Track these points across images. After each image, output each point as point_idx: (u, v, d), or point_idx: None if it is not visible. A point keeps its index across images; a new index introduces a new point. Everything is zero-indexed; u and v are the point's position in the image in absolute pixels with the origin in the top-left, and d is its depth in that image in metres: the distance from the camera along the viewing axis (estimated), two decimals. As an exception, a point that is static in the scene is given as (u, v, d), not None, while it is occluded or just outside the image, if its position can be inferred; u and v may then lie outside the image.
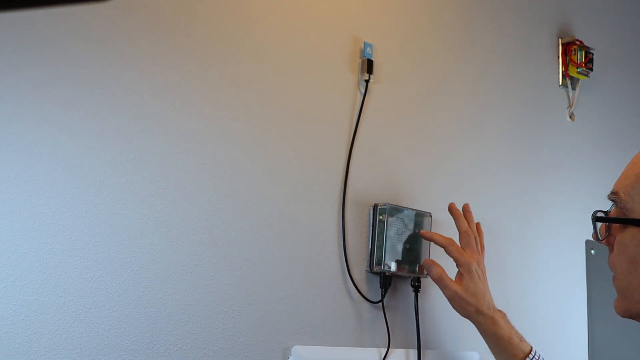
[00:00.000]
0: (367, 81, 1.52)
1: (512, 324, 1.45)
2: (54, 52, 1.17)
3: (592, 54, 1.98)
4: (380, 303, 1.48)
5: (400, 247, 1.49)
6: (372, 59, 1.53)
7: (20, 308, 1.10)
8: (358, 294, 1.47)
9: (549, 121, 1.92)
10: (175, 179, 1.27)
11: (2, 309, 1.09)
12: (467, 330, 1.60)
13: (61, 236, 1.15)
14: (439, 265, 1.46)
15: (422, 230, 1.52)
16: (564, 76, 1.96)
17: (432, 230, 1.53)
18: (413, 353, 1.50)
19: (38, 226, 1.13)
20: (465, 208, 1.53)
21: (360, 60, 1.53)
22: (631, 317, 1.11)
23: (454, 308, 1.45)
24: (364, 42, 1.53)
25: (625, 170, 1.11)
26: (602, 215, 1.12)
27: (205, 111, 1.32)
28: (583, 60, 1.96)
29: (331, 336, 1.42)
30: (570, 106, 1.97)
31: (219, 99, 1.33)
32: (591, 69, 1.98)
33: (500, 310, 1.46)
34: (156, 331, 1.22)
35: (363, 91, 1.52)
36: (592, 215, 1.12)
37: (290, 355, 1.36)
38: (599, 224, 1.13)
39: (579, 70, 1.96)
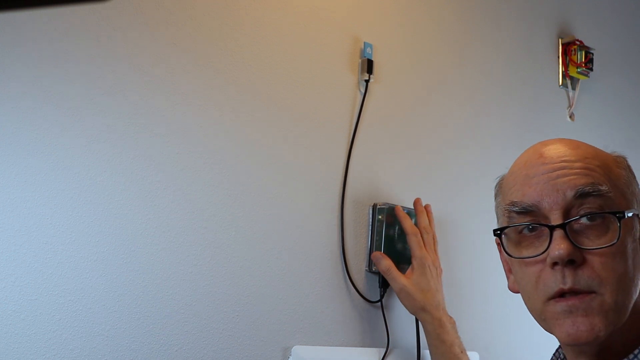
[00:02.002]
0: (367, 81, 1.52)
1: (459, 334, 1.45)
2: (54, 52, 1.17)
3: (592, 54, 1.98)
4: (380, 303, 1.48)
5: (399, 247, 1.49)
6: (372, 59, 1.53)
7: (20, 308, 1.10)
8: (357, 293, 1.47)
9: (549, 121, 1.92)
10: (175, 179, 1.27)
11: (2, 309, 1.09)
12: (467, 331, 1.60)
13: (61, 236, 1.15)
14: (388, 258, 1.45)
15: (397, 207, 1.49)
16: (564, 76, 1.96)
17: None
18: (412, 353, 1.50)
19: (38, 226, 1.13)
20: (427, 208, 1.52)
21: (360, 60, 1.53)
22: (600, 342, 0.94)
23: (402, 303, 1.45)
24: (364, 42, 1.53)
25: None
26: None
27: (205, 111, 1.32)
28: (583, 60, 1.96)
29: (331, 336, 1.43)
30: (570, 106, 1.97)
31: (219, 99, 1.33)
32: (591, 69, 1.98)
33: (450, 317, 1.45)
34: (156, 331, 1.22)
35: (363, 91, 1.52)
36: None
37: (290, 355, 1.36)
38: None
39: (579, 70, 1.96)
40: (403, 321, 1.52)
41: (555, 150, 0.94)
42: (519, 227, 0.94)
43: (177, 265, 1.25)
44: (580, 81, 1.99)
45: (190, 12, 1.32)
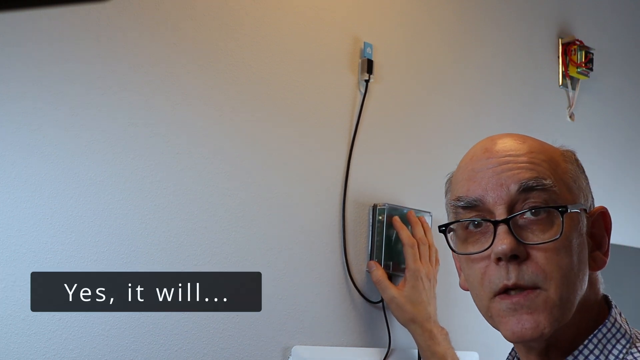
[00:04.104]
0: (367, 81, 1.52)
1: (452, 345, 1.44)
2: (54, 52, 1.17)
3: (592, 54, 1.98)
4: (381, 303, 1.48)
5: (399, 247, 1.49)
6: (372, 59, 1.53)
7: (20, 308, 1.10)
8: (358, 294, 1.47)
9: (549, 121, 1.91)
10: (176, 179, 1.27)
11: (2, 309, 1.09)
12: (467, 331, 1.60)
13: (61, 236, 1.15)
14: (382, 268, 1.45)
15: (395, 217, 1.49)
16: (564, 76, 1.96)
17: (431, 231, 1.53)
18: (414, 353, 1.50)
19: (38, 226, 1.13)
20: (421, 219, 1.51)
21: (360, 60, 1.53)
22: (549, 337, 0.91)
23: (393, 314, 1.45)
24: (364, 42, 1.53)
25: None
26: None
27: (206, 111, 1.32)
28: (583, 60, 1.96)
29: (331, 336, 1.42)
30: (570, 106, 1.97)
31: (220, 99, 1.33)
32: (591, 69, 1.98)
33: (443, 328, 1.44)
34: (156, 331, 1.22)
35: (363, 91, 1.52)
36: None
37: (290, 355, 1.36)
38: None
39: (579, 70, 1.96)
40: (403, 321, 1.52)
41: (501, 145, 0.93)
42: (465, 223, 0.93)
43: (177, 265, 1.25)
44: (580, 81, 1.98)
45: (190, 12, 1.32)
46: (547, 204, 0.89)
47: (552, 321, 0.87)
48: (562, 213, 0.89)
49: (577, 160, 0.96)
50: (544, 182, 0.90)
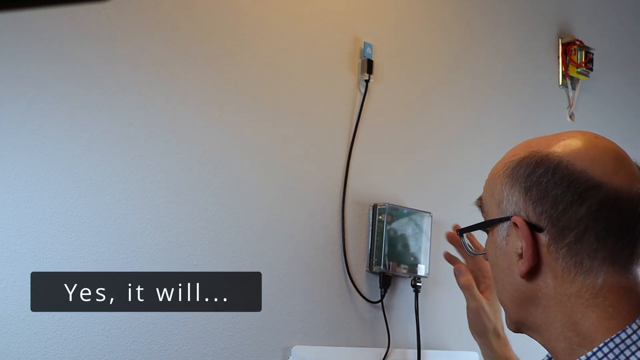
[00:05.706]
0: (367, 81, 1.52)
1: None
2: (54, 52, 1.17)
3: (592, 54, 1.98)
4: (380, 303, 1.48)
5: (399, 247, 1.49)
6: (372, 59, 1.53)
7: (20, 308, 1.10)
8: (358, 294, 1.47)
9: (549, 121, 1.92)
10: (176, 179, 1.27)
11: (2, 309, 1.09)
12: (467, 331, 1.59)
13: (61, 236, 1.15)
14: (470, 274, 1.34)
15: (445, 252, 1.39)
16: (564, 76, 1.96)
17: (431, 230, 1.53)
18: (413, 353, 1.50)
19: (38, 226, 1.13)
20: (472, 239, 1.36)
21: (360, 60, 1.53)
22: (520, 330, 0.97)
23: (471, 323, 1.34)
24: (364, 42, 1.53)
25: None
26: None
27: (206, 112, 1.32)
28: (583, 60, 1.96)
29: (331, 336, 1.42)
30: (570, 106, 1.97)
31: (219, 100, 1.34)
32: (591, 69, 1.98)
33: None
34: (156, 331, 1.22)
35: (363, 91, 1.52)
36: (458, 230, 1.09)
37: (290, 355, 1.36)
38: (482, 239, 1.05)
39: (579, 70, 1.96)
40: (404, 321, 1.52)
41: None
42: None
43: (177, 265, 1.25)
44: (580, 81, 1.99)
45: (190, 12, 1.32)
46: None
47: (505, 318, 0.99)
48: (461, 233, 1.07)
49: (515, 169, 0.93)
50: (480, 202, 1.00)
